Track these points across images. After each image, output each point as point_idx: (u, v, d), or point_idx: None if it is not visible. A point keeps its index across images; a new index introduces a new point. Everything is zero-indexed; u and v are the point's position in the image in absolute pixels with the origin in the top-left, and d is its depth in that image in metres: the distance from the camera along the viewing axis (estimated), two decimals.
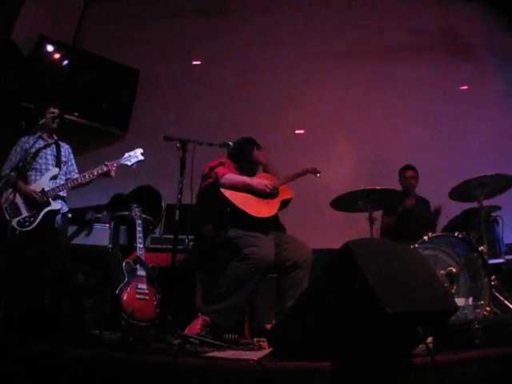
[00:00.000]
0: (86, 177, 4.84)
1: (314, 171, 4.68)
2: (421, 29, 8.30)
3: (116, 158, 4.91)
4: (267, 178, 4.41)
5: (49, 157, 4.96)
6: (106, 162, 4.87)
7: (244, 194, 4.20)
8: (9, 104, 6.86)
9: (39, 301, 4.38)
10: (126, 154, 4.95)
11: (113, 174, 4.89)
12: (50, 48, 7.38)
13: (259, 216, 4.20)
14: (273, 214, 4.28)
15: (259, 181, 4.27)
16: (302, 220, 6.88)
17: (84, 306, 5.11)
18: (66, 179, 4.99)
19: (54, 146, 5.05)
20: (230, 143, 4.25)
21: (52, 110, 4.97)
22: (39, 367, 2.47)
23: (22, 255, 4.50)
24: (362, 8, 8.44)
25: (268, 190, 4.25)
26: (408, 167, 6.16)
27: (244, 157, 4.48)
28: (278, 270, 4.20)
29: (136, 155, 4.94)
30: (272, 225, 4.33)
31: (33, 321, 3.08)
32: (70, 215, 5.14)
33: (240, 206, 4.14)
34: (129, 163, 4.90)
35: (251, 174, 4.43)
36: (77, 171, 5.17)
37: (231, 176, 4.16)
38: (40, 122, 4.78)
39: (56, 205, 4.77)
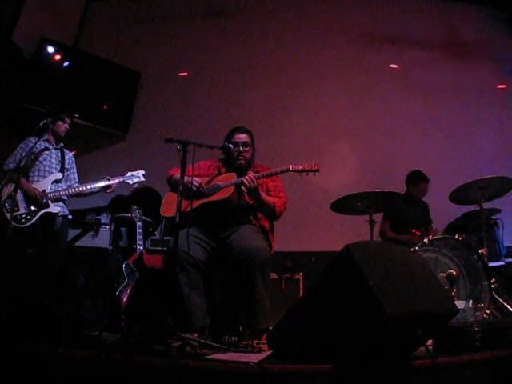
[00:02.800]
0: (88, 187, 4.90)
1: (303, 170, 4.16)
2: (422, 31, 8.30)
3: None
4: (224, 177, 4.26)
5: (53, 160, 5.00)
6: (109, 177, 4.97)
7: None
8: (10, 105, 6.87)
9: (39, 301, 4.38)
10: (129, 173, 5.07)
11: (111, 190, 5.00)
12: (51, 49, 7.37)
13: (163, 214, 4.22)
14: (171, 212, 3.93)
15: (187, 178, 3.92)
16: (303, 223, 6.89)
17: (84, 307, 5.12)
18: (68, 186, 5.02)
19: (59, 151, 5.08)
20: (231, 145, 4.22)
21: (64, 117, 5.00)
22: (38, 368, 2.47)
23: (21, 255, 4.51)
24: (363, 11, 8.44)
25: (192, 187, 4.04)
26: (425, 178, 5.93)
27: (227, 151, 4.32)
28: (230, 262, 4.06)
29: (138, 175, 5.09)
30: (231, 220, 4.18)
31: (32, 321, 3.08)
32: (70, 217, 5.16)
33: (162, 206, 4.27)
34: (130, 182, 5.07)
35: (238, 172, 4.25)
36: (77, 180, 5.21)
37: (175, 174, 4.12)
38: (41, 124, 4.79)
39: (55, 208, 4.80)
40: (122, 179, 5.00)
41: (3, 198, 4.59)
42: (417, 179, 5.95)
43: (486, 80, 8.01)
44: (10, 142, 5.13)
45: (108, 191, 5.06)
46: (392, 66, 8.20)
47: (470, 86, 8.00)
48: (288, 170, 4.16)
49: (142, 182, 5.07)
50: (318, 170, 4.14)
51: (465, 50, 8.19)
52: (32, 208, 4.66)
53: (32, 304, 3.33)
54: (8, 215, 4.51)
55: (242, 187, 4.08)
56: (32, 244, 4.56)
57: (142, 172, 5.10)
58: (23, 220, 4.60)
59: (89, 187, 4.90)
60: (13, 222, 4.51)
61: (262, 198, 4.17)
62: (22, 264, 4.49)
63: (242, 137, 4.40)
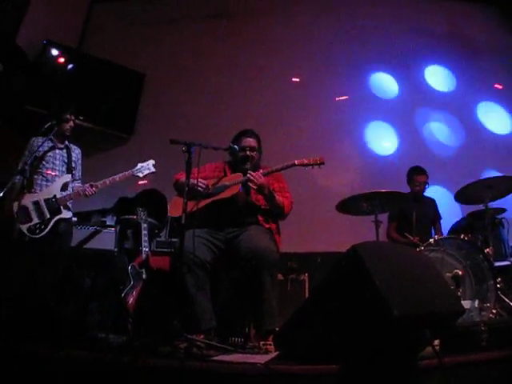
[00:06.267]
0: (99, 186, 4.84)
1: (309, 164, 4.22)
2: (424, 29, 8.27)
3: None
4: (231, 177, 4.31)
5: (57, 162, 4.92)
6: (116, 175, 4.91)
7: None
8: (13, 107, 6.89)
9: (44, 304, 4.39)
10: (139, 165, 4.96)
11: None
12: (55, 52, 7.40)
13: (171, 215, 4.36)
14: (179, 212, 3.81)
15: (193, 181, 3.94)
16: (308, 224, 6.88)
17: (89, 309, 5.13)
18: (72, 186, 4.97)
19: (64, 150, 5.03)
20: (236, 147, 4.24)
21: (67, 116, 4.95)
22: (43, 370, 2.48)
23: (27, 259, 4.52)
24: (363, 8, 8.43)
25: (197, 188, 4.08)
26: (421, 171, 5.94)
27: (233, 153, 4.36)
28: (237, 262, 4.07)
29: (148, 167, 4.97)
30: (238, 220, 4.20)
31: (37, 323, 3.09)
32: (75, 219, 5.15)
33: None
34: (140, 175, 4.94)
35: (245, 174, 4.25)
36: (80, 176, 5.14)
37: (181, 178, 4.14)
38: (47, 126, 4.75)
39: (67, 213, 4.78)
40: (131, 173, 4.92)
41: (15, 210, 4.55)
42: (412, 174, 5.97)
43: (488, 78, 7.98)
44: (13, 145, 5.12)
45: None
46: (393, 66, 8.20)
47: (471, 84, 8.00)
48: (294, 165, 4.23)
49: (153, 172, 4.98)
50: (323, 163, 4.21)
51: (467, 48, 8.15)
52: (45, 216, 4.64)
53: (34, 306, 3.35)
54: (21, 226, 4.50)
55: (250, 184, 4.09)
56: (33, 246, 4.57)
57: (152, 162, 4.99)
58: (37, 231, 4.56)
59: (100, 186, 4.84)
60: (26, 232, 4.51)
61: (271, 194, 4.19)
62: (22, 266, 4.52)
63: (250, 141, 4.44)
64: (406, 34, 8.27)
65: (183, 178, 3.76)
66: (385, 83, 8.18)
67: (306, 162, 4.21)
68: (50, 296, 4.62)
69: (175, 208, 4.22)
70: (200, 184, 4.10)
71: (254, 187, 4.08)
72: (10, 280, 4.40)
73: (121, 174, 4.91)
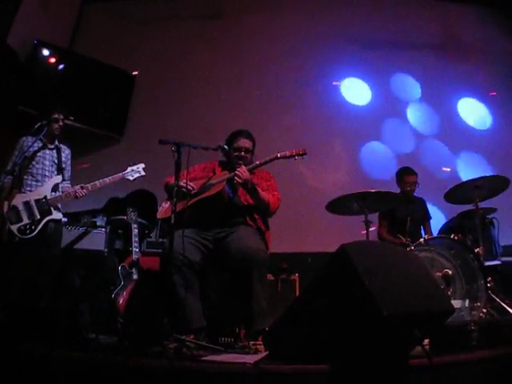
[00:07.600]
0: (90, 188, 4.85)
1: (291, 155, 4.23)
2: (420, 31, 8.29)
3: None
4: (217, 176, 4.33)
5: (46, 162, 4.91)
6: (106, 178, 4.91)
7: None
8: (6, 108, 6.85)
9: (35, 304, 4.38)
10: (129, 169, 5.04)
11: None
12: (46, 52, 7.35)
13: (159, 217, 4.35)
14: (167, 214, 4.13)
15: (181, 183, 4.01)
16: (299, 224, 6.88)
17: (80, 309, 5.11)
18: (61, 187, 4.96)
19: (54, 151, 5.02)
20: (226, 146, 4.24)
21: (56, 116, 4.93)
22: (35, 371, 2.47)
23: (19, 261, 4.50)
24: (356, 9, 8.43)
25: (185, 191, 4.07)
26: (410, 171, 5.90)
27: (225, 153, 4.39)
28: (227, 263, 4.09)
29: (138, 170, 5.06)
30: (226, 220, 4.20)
31: (29, 324, 3.08)
32: (65, 220, 5.13)
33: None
34: (131, 178, 5.03)
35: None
36: (69, 177, 5.13)
37: (170, 181, 4.17)
38: (37, 126, 4.73)
39: (57, 214, 4.77)
40: (122, 176, 4.96)
41: (5, 210, 4.52)
42: (402, 174, 5.93)
43: (484, 80, 8.01)
44: (7, 145, 5.08)
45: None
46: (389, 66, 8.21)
47: (467, 85, 8.02)
48: (276, 158, 4.25)
49: (142, 176, 5.05)
50: (305, 154, 4.21)
51: (463, 50, 8.17)
52: (35, 217, 4.62)
53: (31, 307, 3.34)
54: (11, 227, 4.48)
55: (236, 178, 4.08)
56: (23, 247, 4.54)
57: (142, 166, 5.08)
58: (28, 231, 4.55)
59: (90, 188, 4.85)
60: (16, 232, 4.49)
61: (257, 190, 4.18)
62: (15, 267, 4.50)
63: (245, 142, 4.43)
64: (399, 35, 8.28)
65: (172, 181, 3.77)
66: (376, 83, 8.19)
67: (288, 154, 4.22)
68: (42, 297, 4.62)
69: (164, 211, 4.25)
70: (188, 187, 4.09)
71: (240, 181, 4.08)
72: (3, 281, 4.39)
73: (111, 177, 4.94)
